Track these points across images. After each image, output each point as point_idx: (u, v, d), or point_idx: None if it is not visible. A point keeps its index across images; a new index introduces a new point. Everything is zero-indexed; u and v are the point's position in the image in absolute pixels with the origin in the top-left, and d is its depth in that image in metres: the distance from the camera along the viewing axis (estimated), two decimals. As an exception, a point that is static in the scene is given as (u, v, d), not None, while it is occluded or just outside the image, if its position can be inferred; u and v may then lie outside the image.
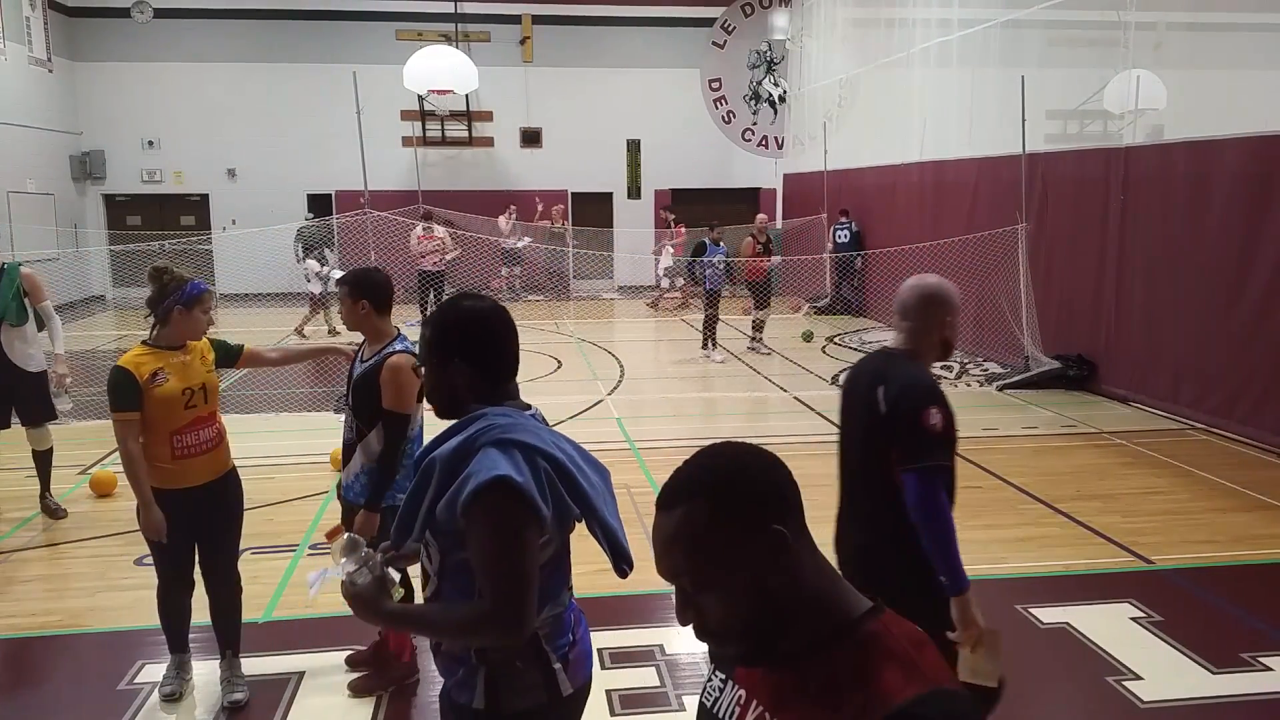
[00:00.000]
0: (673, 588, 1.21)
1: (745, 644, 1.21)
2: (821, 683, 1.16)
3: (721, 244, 12.26)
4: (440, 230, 14.73)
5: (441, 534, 2.02)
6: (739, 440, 1.26)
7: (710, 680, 1.36)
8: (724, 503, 1.17)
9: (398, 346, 3.72)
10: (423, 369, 2.19)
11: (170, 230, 17.39)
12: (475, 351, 2.10)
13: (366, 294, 3.73)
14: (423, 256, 14.26)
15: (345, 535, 2.11)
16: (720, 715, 1.31)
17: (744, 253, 12.76)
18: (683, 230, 17.75)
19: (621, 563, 2.13)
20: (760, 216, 13.50)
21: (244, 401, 9.33)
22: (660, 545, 1.20)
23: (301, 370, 11.19)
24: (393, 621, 2.13)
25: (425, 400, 2.31)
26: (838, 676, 1.15)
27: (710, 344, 12.13)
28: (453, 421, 2.10)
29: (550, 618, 2.10)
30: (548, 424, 2.20)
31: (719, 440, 1.27)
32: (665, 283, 17.46)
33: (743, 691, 1.27)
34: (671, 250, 17.48)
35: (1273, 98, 8.27)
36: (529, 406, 2.17)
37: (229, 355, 4.06)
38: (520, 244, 17.74)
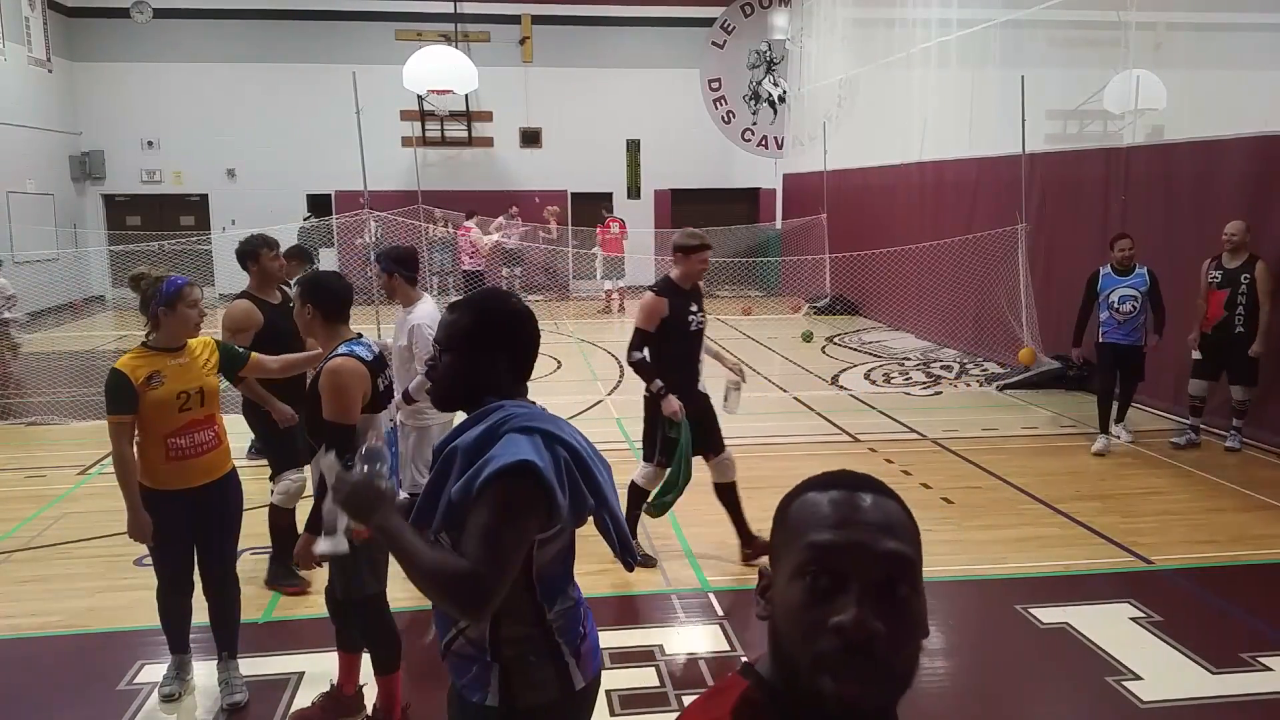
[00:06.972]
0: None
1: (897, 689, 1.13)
2: None
3: (1140, 268, 7.59)
4: (475, 230, 15.65)
5: (457, 526, 1.99)
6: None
7: None
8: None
9: (341, 350, 3.40)
10: (436, 351, 2.15)
11: (170, 230, 17.38)
12: (517, 349, 2.16)
13: (313, 297, 3.53)
14: (470, 256, 14.75)
15: (371, 443, 2.03)
16: None
17: (1263, 283, 7.29)
18: (608, 229, 17.33)
19: (628, 555, 2.15)
20: None
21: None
22: (888, 523, 1.13)
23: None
24: (382, 533, 1.95)
25: (430, 388, 2.26)
26: None
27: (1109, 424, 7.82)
28: (468, 414, 2.12)
29: (561, 611, 2.11)
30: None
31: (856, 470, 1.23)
32: (607, 284, 17.27)
33: None
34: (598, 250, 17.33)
35: (1274, 98, 8.25)
36: (534, 404, 2.19)
37: (234, 361, 4.00)
38: (513, 241, 17.72)
